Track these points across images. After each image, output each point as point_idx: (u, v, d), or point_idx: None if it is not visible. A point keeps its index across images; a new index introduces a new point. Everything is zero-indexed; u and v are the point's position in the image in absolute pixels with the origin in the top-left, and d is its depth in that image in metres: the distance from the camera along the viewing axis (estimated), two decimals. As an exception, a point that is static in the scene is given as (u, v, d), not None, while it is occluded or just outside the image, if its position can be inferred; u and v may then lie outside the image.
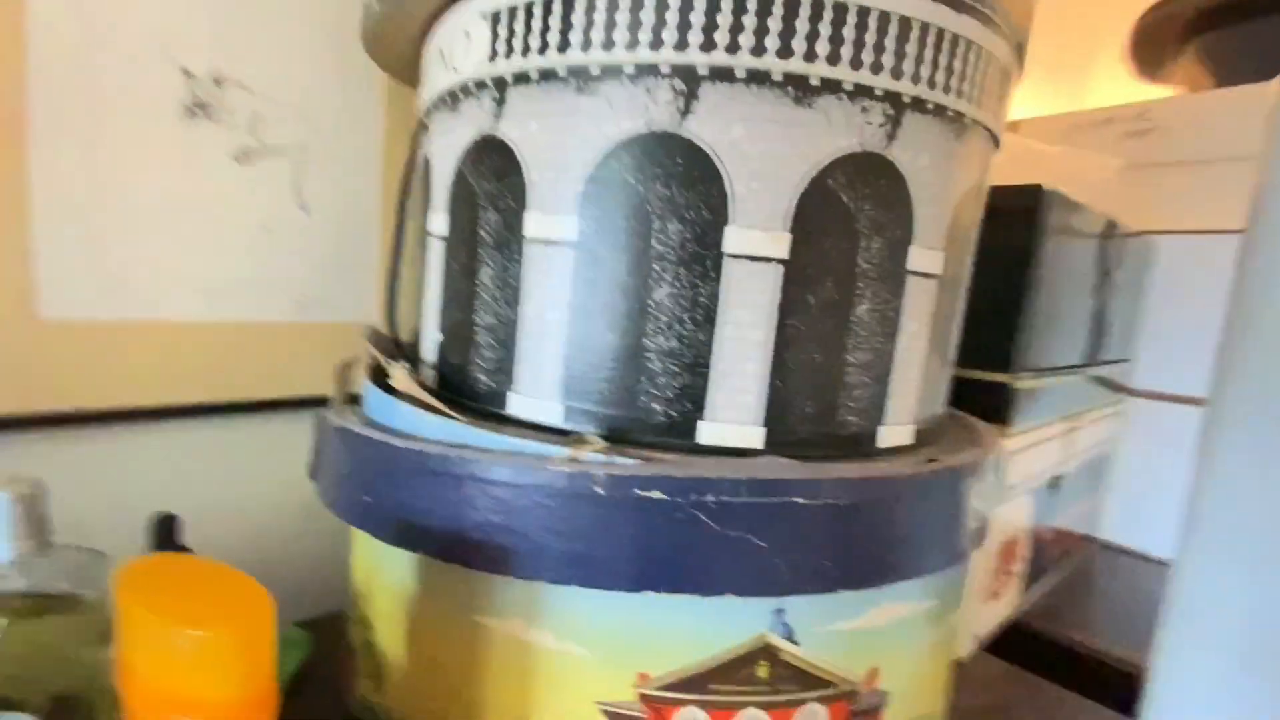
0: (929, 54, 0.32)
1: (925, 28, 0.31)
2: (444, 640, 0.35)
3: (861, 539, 0.31)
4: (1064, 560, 0.78)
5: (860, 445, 0.35)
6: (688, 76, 0.30)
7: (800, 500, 0.30)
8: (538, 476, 0.30)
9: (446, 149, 0.38)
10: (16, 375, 0.42)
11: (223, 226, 0.50)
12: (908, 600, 0.34)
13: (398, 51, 0.45)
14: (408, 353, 0.44)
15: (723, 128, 0.30)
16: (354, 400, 0.43)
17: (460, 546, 0.32)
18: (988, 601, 0.62)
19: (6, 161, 0.41)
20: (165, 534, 0.38)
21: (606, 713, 0.32)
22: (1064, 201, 0.58)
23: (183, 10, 0.46)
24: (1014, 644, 0.66)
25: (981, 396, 0.58)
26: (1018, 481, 0.61)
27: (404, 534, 0.33)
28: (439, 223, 0.39)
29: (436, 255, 0.40)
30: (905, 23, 0.31)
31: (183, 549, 0.39)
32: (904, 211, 0.33)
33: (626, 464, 0.30)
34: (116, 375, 0.46)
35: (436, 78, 0.39)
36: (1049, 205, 0.55)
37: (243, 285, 0.52)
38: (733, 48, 0.30)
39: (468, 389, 0.38)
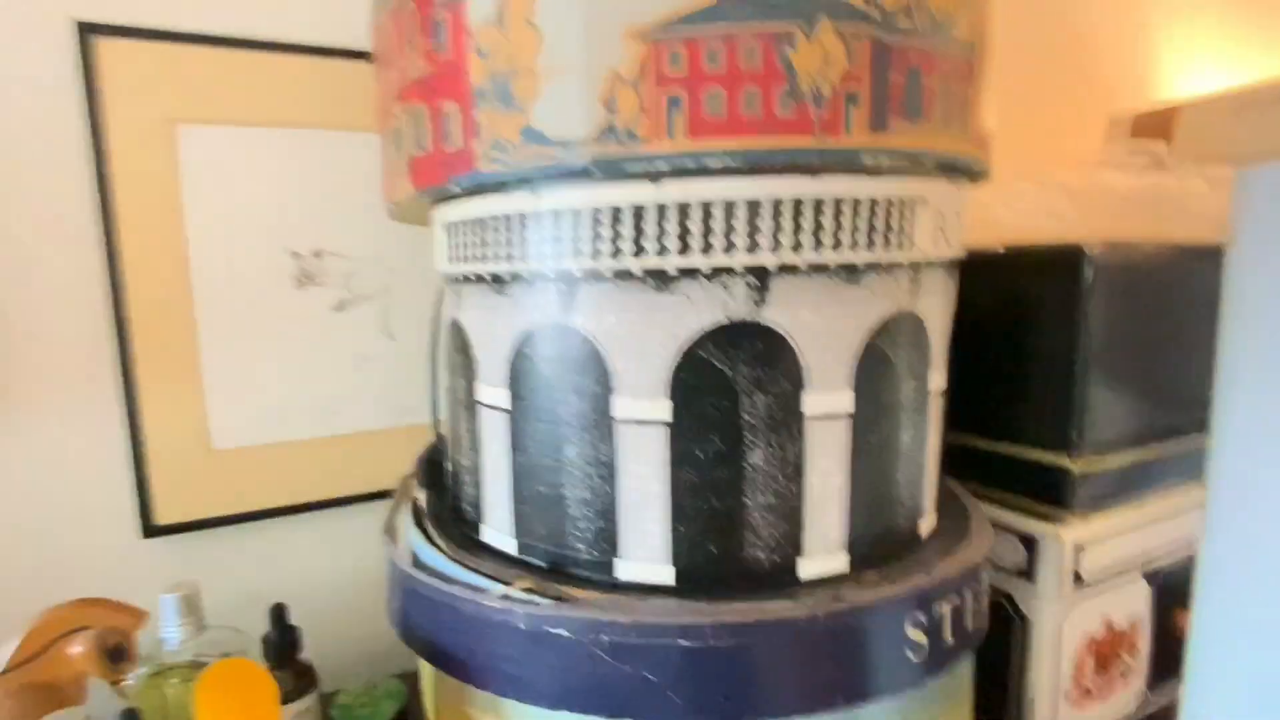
0: (787, 224, 0.34)
1: (778, 204, 0.34)
2: (452, 718, 0.44)
3: (750, 677, 0.34)
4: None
5: (779, 579, 0.37)
6: (569, 280, 0.36)
7: (684, 643, 0.34)
8: (478, 609, 0.37)
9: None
10: (195, 492, 0.61)
11: (330, 360, 0.65)
12: (826, 732, 0.36)
13: (418, 217, 0.56)
14: (442, 476, 0.54)
15: (599, 318, 0.36)
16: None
17: (438, 656, 0.40)
18: (1083, 706, 0.56)
19: (184, 337, 0.60)
20: (279, 618, 0.52)
21: (555, 803, 0.38)
22: (1128, 257, 0.51)
23: (288, 207, 0.62)
24: None
25: (1040, 478, 0.54)
26: (1106, 570, 0.54)
27: (410, 639, 0.43)
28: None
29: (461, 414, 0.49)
30: (753, 205, 0.33)
31: (291, 629, 0.53)
32: (789, 364, 0.35)
33: (541, 603, 0.36)
34: (262, 485, 0.64)
35: (462, 251, 0.44)
36: (1093, 262, 0.50)
37: (351, 404, 0.67)
38: (596, 254, 0.35)
39: (462, 517, 0.47)
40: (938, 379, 0.42)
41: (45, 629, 0.48)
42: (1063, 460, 0.52)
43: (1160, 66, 1.07)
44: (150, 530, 0.60)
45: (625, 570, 0.38)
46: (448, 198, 0.41)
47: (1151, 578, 0.58)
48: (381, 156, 0.48)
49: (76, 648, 0.48)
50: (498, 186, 0.37)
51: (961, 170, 0.39)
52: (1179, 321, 0.56)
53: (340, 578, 0.69)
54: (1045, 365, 0.53)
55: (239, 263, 0.61)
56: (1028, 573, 0.53)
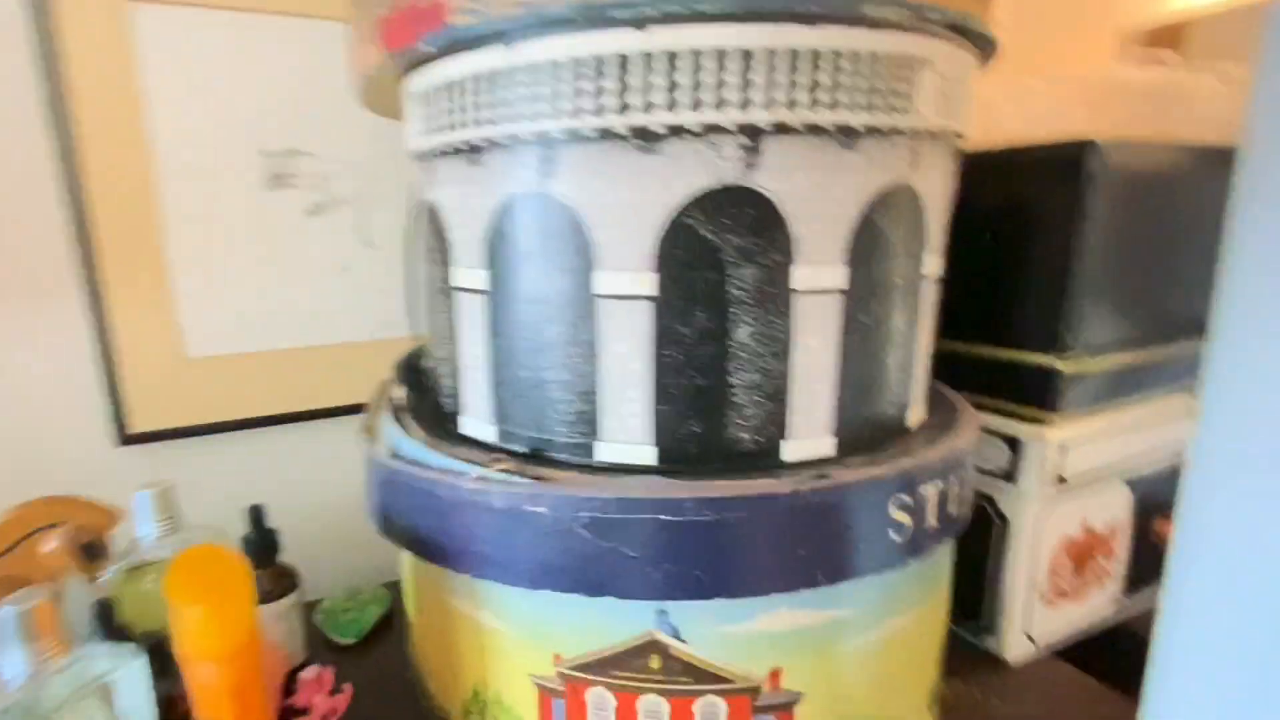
0: (782, 77, 0.32)
1: (771, 53, 0.31)
2: (432, 612, 0.44)
3: (729, 553, 0.33)
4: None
5: (761, 459, 0.37)
6: (548, 142, 0.34)
7: (664, 517, 0.33)
8: (455, 492, 0.36)
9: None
10: (171, 400, 0.59)
11: (307, 268, 0.63)
12: (807, 608, 0.36)
13: (389, 102, 0.53)
14: (422, 376, 0.52)
15: (581, 184, 0.34)
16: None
17: (417, 543, 0.40)
18: (1056, 604, 0.57)
19: (151, 244, 0.57)
20: (257, 519, 0.52)
21: (536, 684, 0.38)
22: (1133, 155, 0.49)
23: (260, 107, 0.59)
24: (1118, 654, 0.60)
25: (1027, 380, 0.53)
26: (1086, 471, 0.54)
27: (389, 530, 0.42)
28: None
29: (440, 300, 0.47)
30: (746, 55, 0.31)
31: (270, 531, 0.52)
32: (779, 235, 0.34)
33: (520, 483, 0.35)
34: (240, 395, 0.62)
35: (435, 122, 0.41)
36: (1100, 159, 0.48)
37: (331, 314, 0.65)
38: (576, 112, 0.33)
39: (441, 411, 0.45)
40: (933, 263, 0.40)
41: (16, 523, 0.47)
42: (1052, 361, 0.52)
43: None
44: (125, 438, 0.59)
45: (606, 452, 0.37)
46: (419, 61, 0.38)
47: (1133, 484, 0.59)
48: (352, 34, 0.44)
49: (50, 544, 0.47)
50: (472, 42, 0.35)
51: (970, 34, 0.36)
52: (1179, 225, 0.54)
53: (321, 489, 0.68)
54: (1041, 265, 0.52)
55: (206, 159, 0.58)
56: (1010, 474, 0.53)
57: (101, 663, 0.36)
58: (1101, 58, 0.93)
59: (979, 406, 0.56)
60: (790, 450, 0.37)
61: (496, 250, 0.37)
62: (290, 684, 0.51)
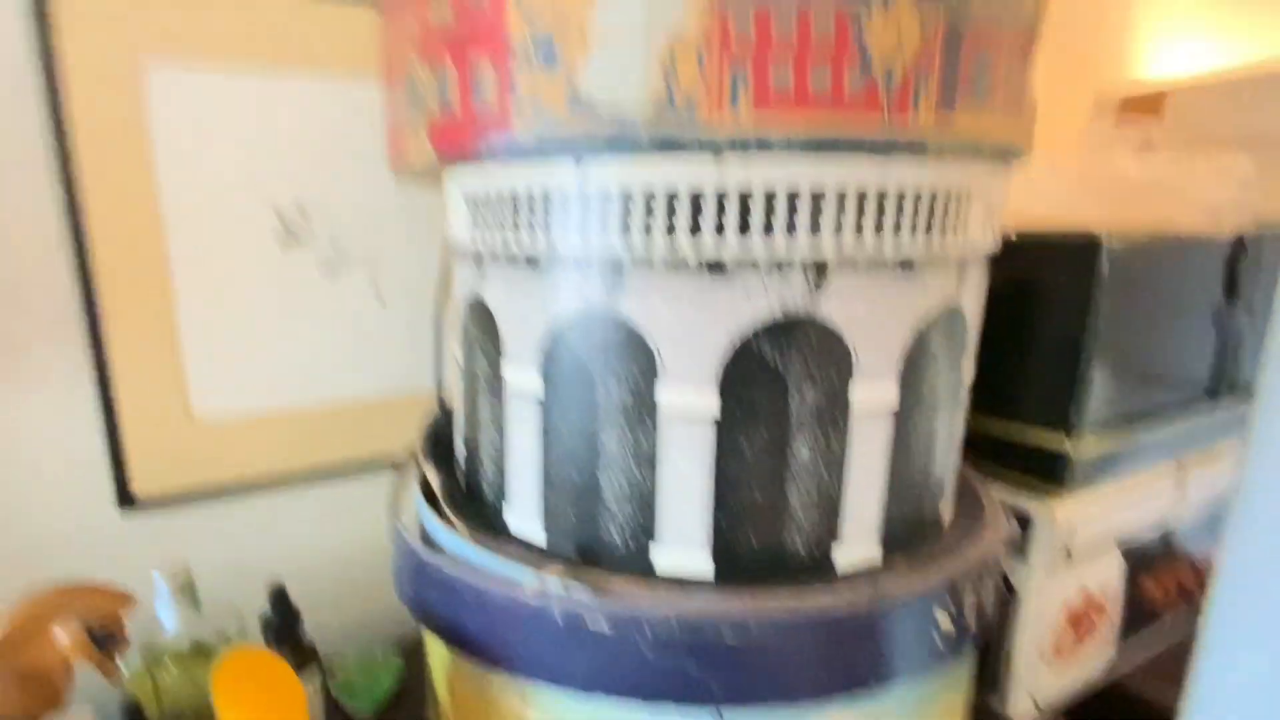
0: (850, 213, 0.32)
1: (842, 190, 0.32)
2: (469, 700, 0.43)
3: (789, 665, 0.34)
4: (1188, 614, 0.71)
5: (815, 567, 0.38)
6: (615, 264, 0.34)
7: (727, 636, 0.33)
8: (510, 600, 0.36)
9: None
10: (177, 463, 0.57)
11: (318, 326, 0.61)
12: (855, 708, 0.37)
13: (426, 175, 0.52)
14: (448, 449, 0.52)
15: (648, 306, 0.34)
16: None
17: (464, 643, 0.39)
18: (1058, 667, 0.60)
19: (158, 296, 0.55)
20: (279, 600, 0.50)
21: (584, 783, 0.38)
22: (1137, 247, 0.52)
23: (272, 164, 0.57)
24: (1111, 710, 0.63)
25: (1037, 457, 0.55)
26: (1089, 542, 0.57)
27: (430, 624, 0.42)
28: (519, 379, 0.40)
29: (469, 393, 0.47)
30: (817, 193, 0.32)
31: (292, 611, 0.51)
32: (841, 359, 0.35)
33: (580, 600, 0.35)
34: (246, 455, 0.60)
35: (488, 223, 0.40)
36: (1109, 256, 0.50)
37: (339, 373, 0.63)
38: (646, 239, 0.33)
39: (475, 495, 0.45)
40: (969, 369, 0.42)
41: (28, 614, 0.44)
42: (1061, 442, 0.54)
43: (1143, 45, 1.07)
44: (127, 502, 0.57)
45: (662, 559, 0.37)
46: (476, 163, 0.38)
47: (1125, 547, 0.62)
48: (388, 111, 0.44)
49: (60, 633, 0.45)
50: (536, 155, 0.34)
51: (1013, 155, 0.38)
52: (1173, 310, 0.57)
53: (330, 550, 0.66)
54: (1051, 350, 0.54)
55: (217, 218, 0.56)
56: (1020, 547, 0.55)
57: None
58: (1075, 127, 0.97)
59: (987, 477, 0.58)
60: (841, 557, 0.38)
61: (554, 357, 0.37)
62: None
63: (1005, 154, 0.37)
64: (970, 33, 0.32)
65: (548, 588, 0.36)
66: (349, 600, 0.68)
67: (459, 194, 0.41)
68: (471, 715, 0.44)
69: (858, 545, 0.38)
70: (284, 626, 0.50)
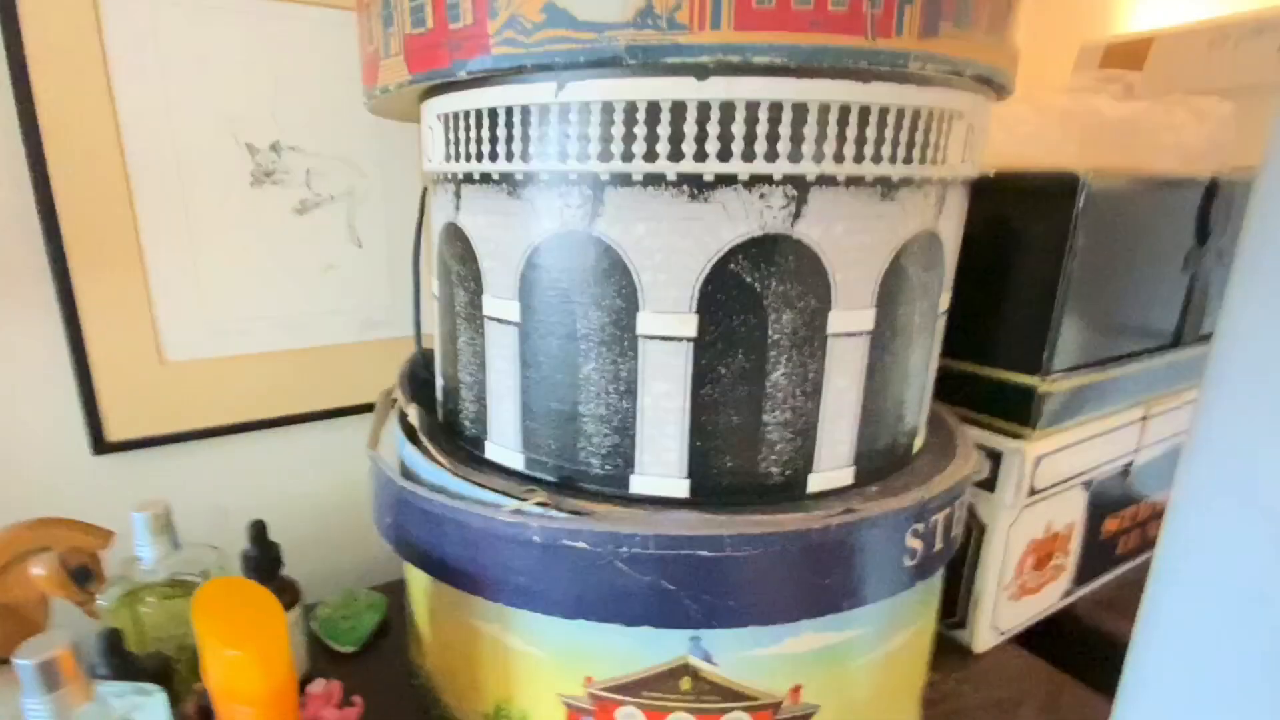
0: (831, 131, 0.32)
1: (824, 108, 0.32)
2: (450, 630, 0.44)
3: (765, 585, 0.35)
4: (1144, 549, 0.74)
5: (789, 491, 0.38)
6: (594, 183, 0.33)
7: (704, 553, 0.34)
8: (489, 524, 0.37)
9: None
10: (150, 406, 0.57)
11: (292, 268, 0.60)
12: (828, 630, 0.38)
13: (402, 109, 0.51)
14: (428, 389, 0.52)
15: (626, 226, 0.34)
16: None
17: (445, 571, 0.40)
18: (1018, 598, 0.62)
19: (125, 244, 0.54)
20: (259, 535, 0.50)
21: (565, 703, 0.40)
22: (1116, 187, 0.52)
23: (243, 97, 0.55)
24: (1060, 637, 0.66)
25: (1009, 398, 0.57)
26: (1054, 481, 0.59)
27: (410, 554, 0.42)
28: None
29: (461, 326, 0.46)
30: (799, 109, 0.32)
31: (272, 546, 0.51)
32: (819, 281, 0.35)
33: (558, 517, 0.36)
34: (221, 399, 0.60)
35: (467, 148, 0.39)
36: (1087, 194, 0.50)
37: (316, 316, 0.62)
38: (627, 155, 0.32)
39: (456, 431, 0.45)
40: (947, 299, 0.42)
41: (3, 549, 0.44)
42: (1033, 381, 0.55)
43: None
44: (101, 446, 0.56)
45: (640, 484, 0.38)
46: (451, 85, 0.37)
47: (1088, 486, 0.64)
48: (361, 36, 0.42)
49: (38, 569, 0.45)
50: (513, 73, 0.34)
51: (996, 84, 0.38)
52: (1146, 251, 0.58)
53: (308, 493, 0.66)
54: (1027, 291, 0.55)
55: (184, 155, 0.54)
56: (990, 484, 0.57)
57: (122, 701, 0.36)
58: (1059, 76, 0.97)
59: (961, 417, 0.59)
60: (815, 482, 0.39)
61: (533, 284, 0.37)
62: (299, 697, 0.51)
63: (988, 82, 0.37)
64: (954, -51, 0.32)
65: (525, 510, 0.37)
66: (331, 545, 0.68)
67: (435, 118, 0.40)
68: (452, 647, 0.45)
69: (831, 472, 0.39)
70: (264, 561, 0.50)
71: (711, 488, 0.38)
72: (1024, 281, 0.55)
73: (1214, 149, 0.63)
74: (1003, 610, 0.61)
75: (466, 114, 0.37)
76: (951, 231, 0.40)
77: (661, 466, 0.37)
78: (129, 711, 0.36)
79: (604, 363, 0.36)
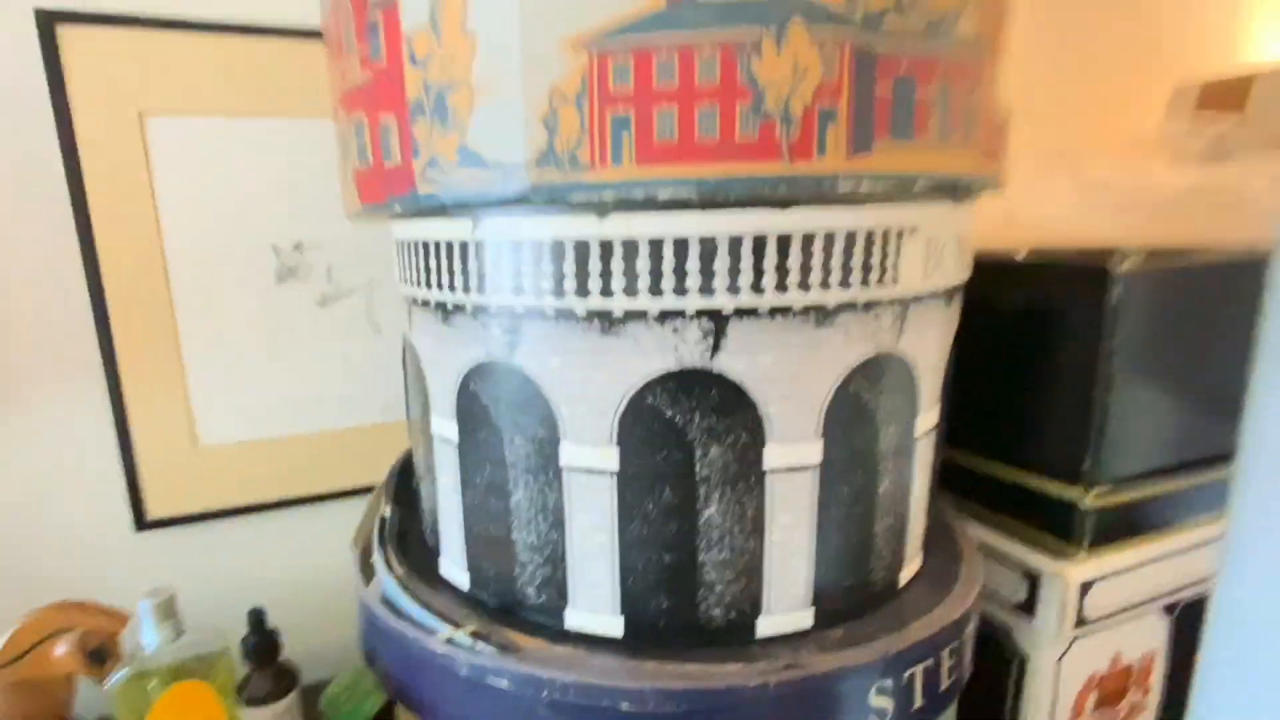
0: (746, 263, 0.30)
1: (736, 241, 0.30)
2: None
3: (693, 747, 0.32)
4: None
5: (735, 635, 0.35)
6: (512, 316, 0.33)
7: (626, 706, 0.32)
8: (424, 651, 0.36)
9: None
10: (181, 487, 0.62)
11: (316, 356, 0.64)
12: (778, 799, 0.34)
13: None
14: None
15: (543, 359, 0.33)
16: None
17: (390, 684, 0.40)
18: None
19: (166, 337, 0.59)
20: (257, 623, 0.53)
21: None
22: (1157, 266, 0.45)
23: (265, 199, 0.60)
24: None
25: (1049, 511, 0.49)
26: (1115, 609, 0.50)
27: (367, 657, 0.42)
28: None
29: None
30: (708, 243, 0.30)
31: (270, 633, 0.53)
32: (748, 415, 0.32)
33: (483, 653, 0.35)
34: (252, 479, 0.64)
35: (411, 274, 0.41)
36: (1125, 282, 0.44)
37: (338, 400, 0.66)
38: (538, 291, 0.32)
39: (427, 543, 0.45)
40: (926, 421, 0.38)
41: (31, 629, 0.49)
42: (1073, 492, 0.48)
43: (1236, 29, 0.94)
44: (142, 524, 0.61)
45: (574, 619, 0.36)
46: (394, 215, 0.38)
47: (1170, 611, 0.54)
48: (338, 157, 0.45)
49: (60, 648, 0.49)
50: (438, 210, 0.34)
51: (964, 189, 0.34)
52: (1211, 339, 0.50)
53: (330, 571, 0.69)
54: (1062, 387, 0.48)
55: (217, 257, 0.60)
56: (1028, 607, 0.50)
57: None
58: (1152, 125, 0.87)
59: (992, 525, 0.53)
60: (765, 626, 0.35)
61: (466, 407, 0.37)
62: (286, 784, 0.52)
63: (951, 190, 0.34)
64: (886, 61, 0.29)
65: (455, 641, 0.36)
66: (346, 623, 0.70)
67: (393, 240, 0.41)
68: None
69: (784, 614, 0.35)
70: (261, 648, 0.52)
71: (648, 627, 0.35)
72: (1061, 376, 0.48)
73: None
74: (1058, 756, 0.52)
75: (407, 244, 0.38)
76: (926, 346, 0.36)
77: (594, 602, 0.35)
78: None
79: (532, 491, 0.35)
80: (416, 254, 0.37)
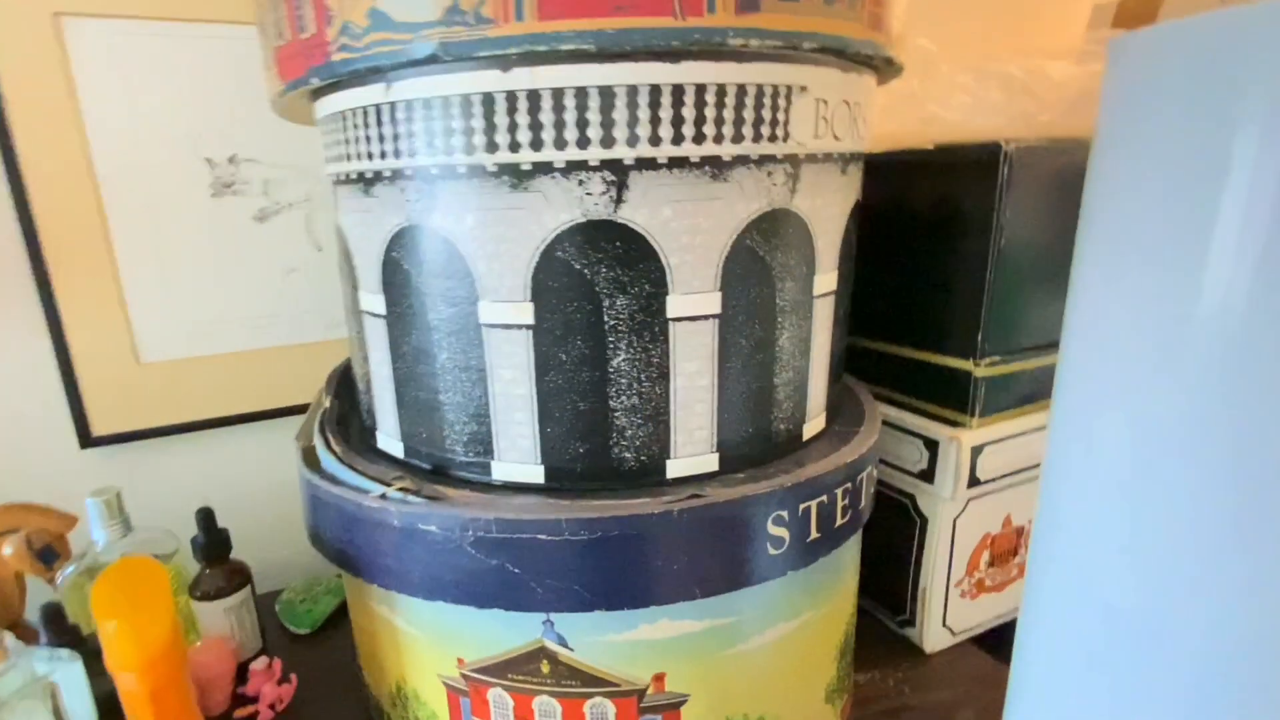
0: (643, 114, 0.32)
1: (633, 91, 0.32)
2: (359, 613, 0.47)
3: (607, 569, 0.35)
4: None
5: (647, 478, 0.38)
6: (426, 178, 0.35)
7: (543, 537, 0.35)
8: (360, 510, 0.39)
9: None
10: (124, 404, 0.62)
11: (256, 273, 0.65)
12: (686, 618, 0.38)
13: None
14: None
15: (457, 218, 0.35)
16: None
17: (333, 553, 0.42)
18: (976, 597, 0.59)
19: (101, 255, 0.59)
20: (207, 521, 0.54)
21: (444, 683, 0.41)
22: (1047, 155, 0.49)
23: (200, 114, 0.60)
24: None
25: (947, 384, 0.54)
26: (1005, 471, 0.55)
27: (313, 539, 0.45)
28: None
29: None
30: (606, 93, 0.32)
31: (220, 531, 0.55)
32: (652, 266, 0.35)
33: (413, 503, 0.37)
34: (196, 397, 0.64)
35: (333, 151, 0.42)
36: (1012, 162, 0.48)
37: (280, 317, 0.67)
38: (449, 149, 0.34)
39: (365, 425, 0.47)
40: (825, 282, 0.41)
41: (-26, 530, 0.50)
42: (969, 365, 0.52)
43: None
44: (87, 441, 0.62)
45: (500, 471, 0.39)
46: (314, 91, 0.39)
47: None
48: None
49: (6, 548, 0.50)
50: (353, 78, 0.35)
51: (855, 56, 0.36)
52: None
53: (274, 487, 0.71)
54: (959, 270, 0.52)
55: (149, 171, 0.60)
56: (928, 474, 0.54)
57: (40, 665, 0.39)
58: (1074, 39, 0.91)
59: (899, 405, 0.57)
60: (674, 468, 0.38)
61: (391, 278, 0.39)
62: (243, 673, 0.55)
63: (840, 54, 0.36)
64: (768, -81, 0.31)
65: (387, 496, 0.38)
66: (292, 536, 0.72)
67: (317, 120, 0.42)
68: (363, 629, 0.47)
69: (691, 458, 0.39)
70: (211, 545, 0.54)
71: (566, 474, 0.38)
72: (957, 261, 0.52)
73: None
74: (957, 609, 0.58)
75: (329, 118, 0.39)
76: (824, 208, 0.39)
77: (517, 453, 0.38)
78: (50, 673, 0.40)
79: (454, 352, 0.37)
80: (336, 126, 0.39)
